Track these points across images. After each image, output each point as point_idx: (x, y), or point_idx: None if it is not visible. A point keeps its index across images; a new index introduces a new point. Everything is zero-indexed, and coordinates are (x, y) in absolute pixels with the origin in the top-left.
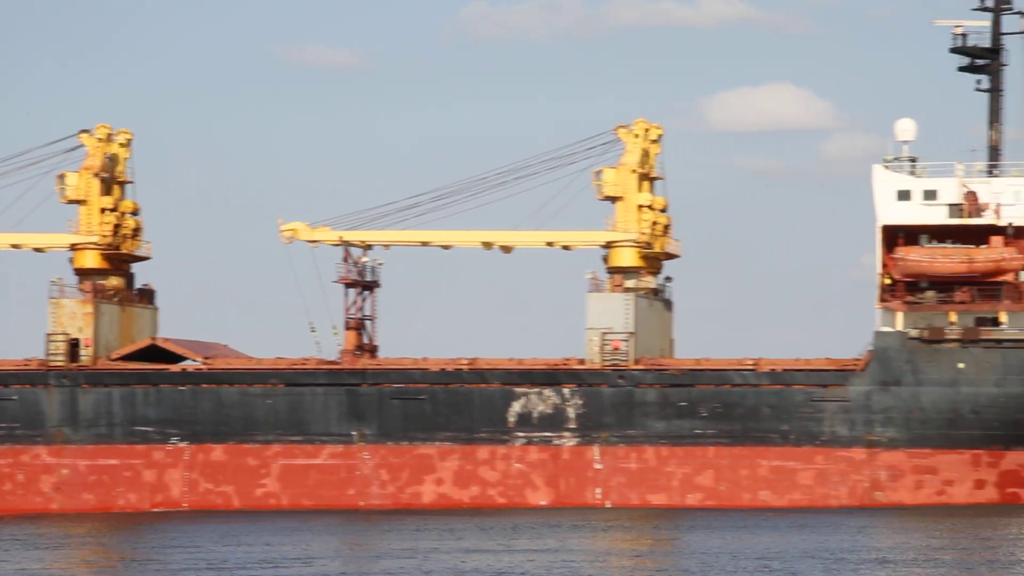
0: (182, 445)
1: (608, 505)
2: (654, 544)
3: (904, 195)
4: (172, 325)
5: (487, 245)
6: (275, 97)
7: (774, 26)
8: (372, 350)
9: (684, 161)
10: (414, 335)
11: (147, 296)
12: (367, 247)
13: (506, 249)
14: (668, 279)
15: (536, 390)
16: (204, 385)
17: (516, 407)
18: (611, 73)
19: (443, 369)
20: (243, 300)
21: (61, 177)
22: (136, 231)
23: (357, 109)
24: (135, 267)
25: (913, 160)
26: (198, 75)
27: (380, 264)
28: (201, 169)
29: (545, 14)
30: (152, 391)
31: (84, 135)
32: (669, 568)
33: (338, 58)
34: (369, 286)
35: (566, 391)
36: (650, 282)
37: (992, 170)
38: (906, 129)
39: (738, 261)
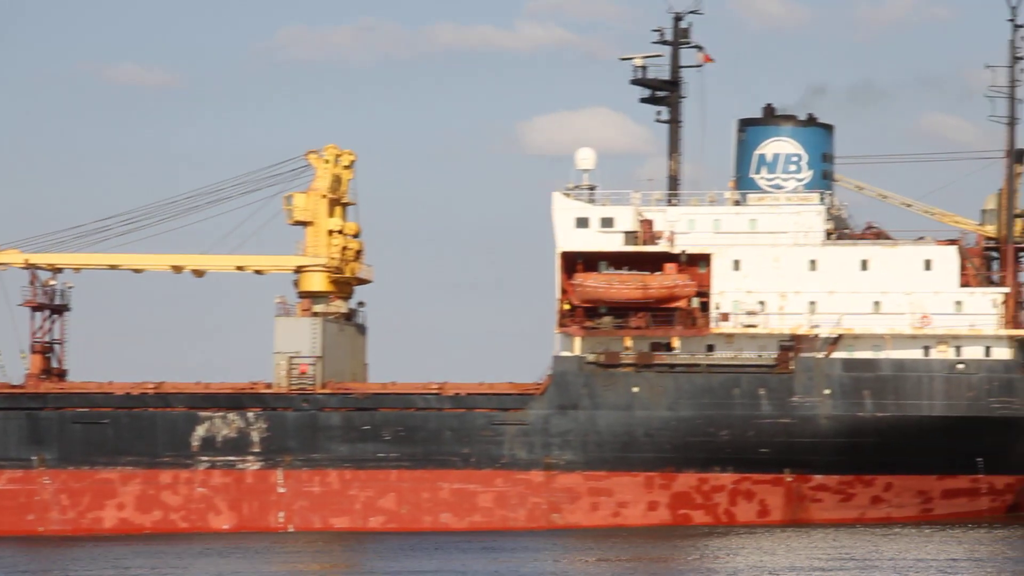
0: None
1: (291, 529)
2: (333, 567)
3: (582, 222)
4: None
5: (177, 269)
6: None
7: (590, 51)
8: (61, 374)
9: (501, 184)
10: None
11: None
12: (56, 270)
13: (198, 273)
14: (361, 304)
15: (220, 414)
16: None
17: (200, 431)
18: (427, 96)
19: (127, 393)
20: None
21: None
22: None
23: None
24: None
25: (592, 188)
26: None
27: (70, 287)
28: None
29: (362, 36)
30: None
31: None
32: None
33: (150, 77)
34: (58, 309)
35: (250, 415)
36: (341, 307)
37: (671, 199)
38: (585, 158)
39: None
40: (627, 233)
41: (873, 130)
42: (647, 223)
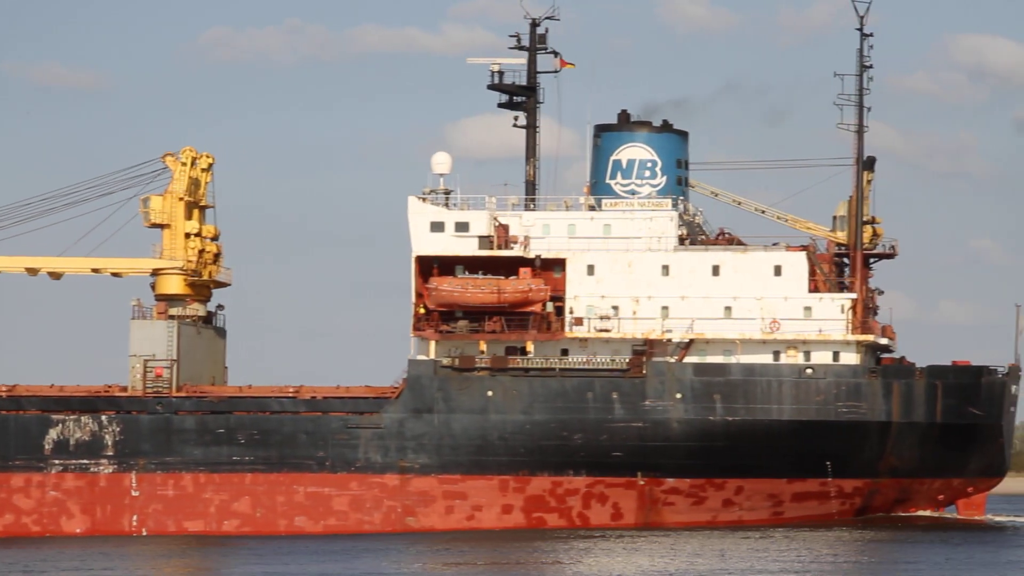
0: None
1: (144, 533)
2: (193, 571)
3: (437, 227)
4: None
5: (32, 271)
6: None
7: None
8: None
9: (413, 186)
10: None
11: None
12: None
13: (54, 275)
14: (220, 307)
15: (74, 417)
16: None
17: (53, 434)
18: (354, 98)
19: None
20: None
21: None
22: None
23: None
24: None
25: (448, 192)
26: None
27: None
28: None
29: (289, 38)
30: None
31: None
32: None
33: (75, 78)
34: None
35: (104, 418)
36: (198, 310)
37: (529, 204)
38: (441, 163)
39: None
40: (482, 237)
41: (793, 134)
42: (502, 228)
